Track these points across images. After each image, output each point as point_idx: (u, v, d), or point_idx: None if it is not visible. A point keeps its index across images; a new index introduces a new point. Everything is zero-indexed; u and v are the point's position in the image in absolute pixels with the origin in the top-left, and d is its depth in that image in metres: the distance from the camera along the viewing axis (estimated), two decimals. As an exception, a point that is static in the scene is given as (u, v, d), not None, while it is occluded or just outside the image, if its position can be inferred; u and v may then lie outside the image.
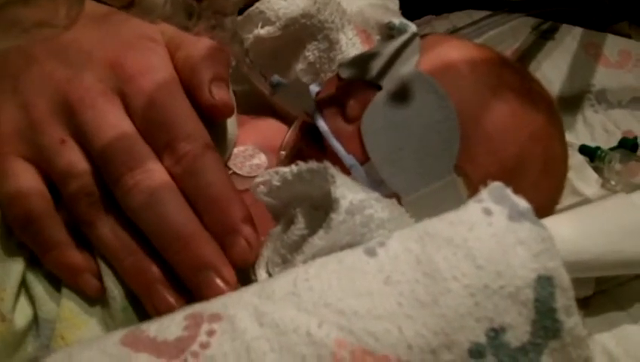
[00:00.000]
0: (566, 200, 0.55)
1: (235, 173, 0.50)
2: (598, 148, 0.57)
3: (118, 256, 0.42)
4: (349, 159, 0.46)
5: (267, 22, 0.53)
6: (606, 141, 0.60)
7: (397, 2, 0.63)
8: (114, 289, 0.42)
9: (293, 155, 0.49)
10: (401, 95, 0.46)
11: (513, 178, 0.45)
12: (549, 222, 0.35)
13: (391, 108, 0.46)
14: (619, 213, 0.41)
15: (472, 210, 0.35)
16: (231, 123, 0.50)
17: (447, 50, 0.49)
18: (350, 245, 0.38)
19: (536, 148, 0.48)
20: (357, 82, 0.48)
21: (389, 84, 0.47)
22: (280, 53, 0.55)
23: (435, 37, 0.53)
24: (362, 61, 0.49)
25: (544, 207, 0.51)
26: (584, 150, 0.57)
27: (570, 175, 0.56)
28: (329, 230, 0.38)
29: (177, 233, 0.40)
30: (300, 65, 0.55)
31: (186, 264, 0.40)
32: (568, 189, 0.55)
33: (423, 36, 0.51)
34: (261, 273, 0.41)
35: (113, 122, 0.42)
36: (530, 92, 0.49)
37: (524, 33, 0.72)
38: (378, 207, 0.39)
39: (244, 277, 0.41)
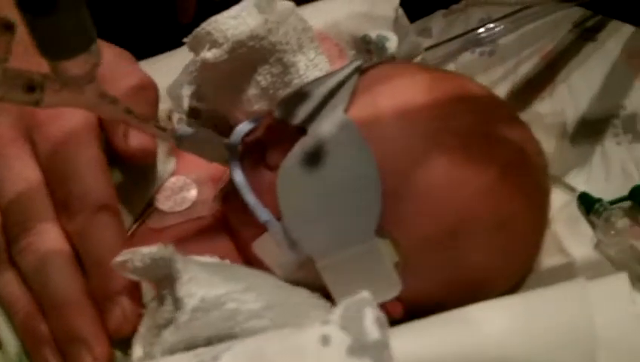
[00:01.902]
0: (551, 259, 0.47)
1: (157, 208, 0.47)
2: (599, 200, 0.47)
3: (12, 308, 0.41)
4: (264, 214, 0.42)
5: (215, 44, 0.48)
6: (621, 185, 0.50)
7: (392, 5, 0.55)
8: (10, 340, 0.41)
9: (222, 197, 0.46)
10: (322, 145, 0.40)
11: (455, 241, 0.40)
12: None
13: (309, 160, 0.40)
14: (458, 334, 0.35)
15: (310, 335, 0.30)
16: (162, 154, 0.47)
17: (384, 92, 0.42)
18: (219, 337, 0.35)
19: (484, 208, 0.41)
20: (284, 125, 0.43)
21: (313, 130, 0.41)
22: (232, 77, 0.50)
23: (381, 71, 0.46)
24: (295, 99, 0.43)
25: (506, 271, 0.45)
26: (584, 199, 0.48)
27: (560, 229, 0.48)
28: (177, 328, 0.34)
29: (56, 301, 0.39)
30: (252, 91, 0.50)
31: (60, 334, 0.39)
32: (555, 247, 0.47)
33: (373, 67, 0.45)
34: (137, 349, 0.38)
35: (18, 172, 0.41)
36: (487, 139, 0.42)
37: (563, 30, 0.61)
38: (248, 297, 0.36)
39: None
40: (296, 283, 0.42)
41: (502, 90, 0.59)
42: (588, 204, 0.48)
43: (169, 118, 0.51)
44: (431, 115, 0.42)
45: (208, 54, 0.48)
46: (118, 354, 0.40)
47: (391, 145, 0.41)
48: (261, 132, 0.45)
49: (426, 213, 0.41)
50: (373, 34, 0.51)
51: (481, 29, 0.64)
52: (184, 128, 0.42)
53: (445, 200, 0.41)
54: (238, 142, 0.45)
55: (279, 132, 0.43)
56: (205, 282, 0.36)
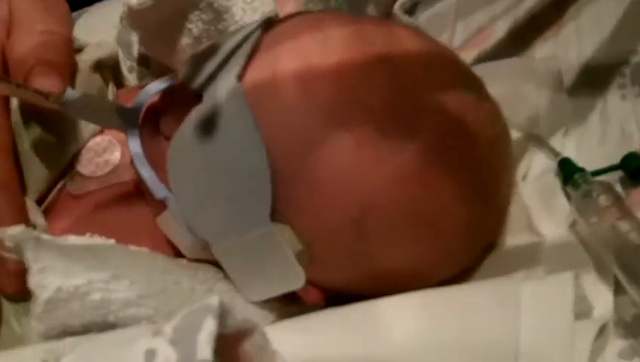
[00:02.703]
0: (516, 237, 0.41)
1: (78, 172, 0.44)
2: (581, 170, 0.40)
3: None
4: (160, 190, 0.37)
5: None
6: (617, 148, 0.41)
7: None
8: None
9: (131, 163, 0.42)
10: (213, 117, 0.35)
11: (361, 233, 0.34)
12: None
13: (201, 134, 0.35)
14: (354, 335, 0.30)
15: (137, 348, 0.26)
16: None
17: (286, 51, 0.36)
18: (97, 325, 0.32)
19: (395, 196, 0.35)
20: (184, 89, 0.37)
21: (208, 97, 0.36)
22: (165, 26, 0.45)
23: (292, 24, 0.39)
24: (204, 57, 0.38)
25: (439, 265, 0.38)
26: (565, 166, 0.41)
27: (533, 202, 0.41)
28: (36, 319, 0.32)
29: None
30: (185, 40, 0.45)
31: None
32: (523, 222, 0.40)
33: (286, 19, 0.38)
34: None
35: None
36: (408, 112, 0.35)
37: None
38: (117, 286, 0.33)
39: None
40: (206, 262, 0.38)
41: (502, 27, 0.51)
42: (567, 172, 0.40)
43: (94, 69, 0.46)
44: (339, 81, 0.35)
45: (132, 1, 0.43)
46: None
47: (285, 120, 0.35)
48: (164, 95, 0.40)
49: (326, 200, 0.35)
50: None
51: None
52: (70, 93, 0.37)
53: (348, 187, 0.34)
54: (141, 105, 0.40)
55: (180, 96, 0.38)
56: (62, 271, 0.32)
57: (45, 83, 0.38)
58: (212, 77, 0.36)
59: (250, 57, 0.36)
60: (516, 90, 0.46)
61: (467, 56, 0.52)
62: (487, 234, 0.39)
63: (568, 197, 0.40)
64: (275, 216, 0.35)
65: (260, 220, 0.35)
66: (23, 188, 0.42)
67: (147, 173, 0.38)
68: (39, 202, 0.43)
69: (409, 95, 0.35)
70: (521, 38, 0.50)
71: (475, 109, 0.38)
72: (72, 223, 0.43)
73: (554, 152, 0.42)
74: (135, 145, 0.39)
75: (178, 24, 0.44)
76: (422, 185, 0.35)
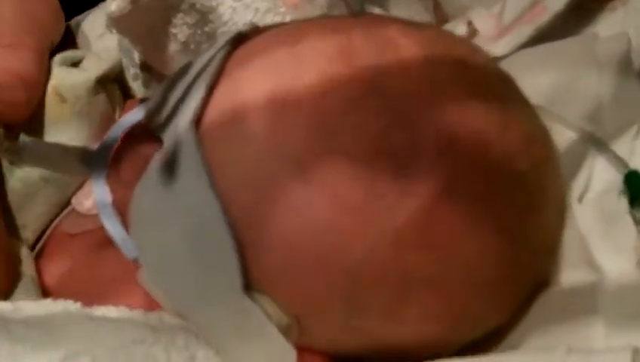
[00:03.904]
0: (573, 272, 0.32)
1: (74, 209, 0.40)
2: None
3: None
4: (129, 249, 0.32)
5: None
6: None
7: None
8: None
9: None
10: (170, 164, 0.29)
11: (356, 306, 0.28)
12: None
13: (161, 184, 0.29)
14: None
15: None
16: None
17: (252, 78, 0.29)
18: None
19: (395, 261, 0.27)
20: (143, 130, 0.32)
21: (168, 141, 0.29)
22: (151, 32, 0.39)
23: (261, 41, 0.31)
24: (170, 84, 0.31)
25: (452, 334, 0.31)
26: (633, 182, 0.32)
27: (591, 228, 0.32)
28: None
29: None
30: (172, 47, 0.39)
31: None
32: (580, 254, 0.32)
33: (260, 31, 0.31)
34: None
35: None
36: (412, 154, 0.27)
37: None
38: None
39: None
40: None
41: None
42: (635, 191, 0.31)
43: (97, 89, 0.42)
44: (313, 118, 0.27)
45: (112, 5, 0.38)
46: None
47: (245, 169, 0.28)
48: (127, 135, 0.34)
49: (304, 269, 0.28)
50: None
51: None
52: (25, 139, 0.32)
53: (328, 254, 0.27)
54: (110, 144, 0.34)
55: (136, 140, 0.33)
56: (6, 354, 0.27)
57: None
58: (175, 109, 0.30)
59: (215, 83, 0.29)
60: (572, 79, 0.37)
61: (521, 33, 0.43)
62: (524, 284, 0.31)
63: (637, 222, 0.31)
64: (252, 285, 0.28)
65: (232, 291, 0.28)
66: (15, 229, 0.39)
67: (114, 228, 0.32)
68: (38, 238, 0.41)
69: (405, 130, 0.27)
70: (583, 10, 0.41)
71: (501, 134, 0.29)
72: (65, 266, 0.39)
73: (620, 162, 0.33)
74: (101, 192, 0.33)
75: (163, 30, 0.39)
76: (424, 247, 0.27)
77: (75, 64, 0.44)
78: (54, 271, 0.39)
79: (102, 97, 0.43)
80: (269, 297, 0.28)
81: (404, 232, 0.27)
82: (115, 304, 0.33)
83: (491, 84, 0.31)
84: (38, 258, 0.40)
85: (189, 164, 0.28)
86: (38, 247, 0.41)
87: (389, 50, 0.29)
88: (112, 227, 0.32)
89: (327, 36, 0.29)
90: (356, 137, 0.27)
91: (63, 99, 0.41)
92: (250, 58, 0.30)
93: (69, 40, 0.49)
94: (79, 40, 0.49)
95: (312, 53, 0.29)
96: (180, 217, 0.29)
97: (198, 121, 0.28)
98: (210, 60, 0.30)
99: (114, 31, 0.40)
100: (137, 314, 0.32)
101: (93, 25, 0.49)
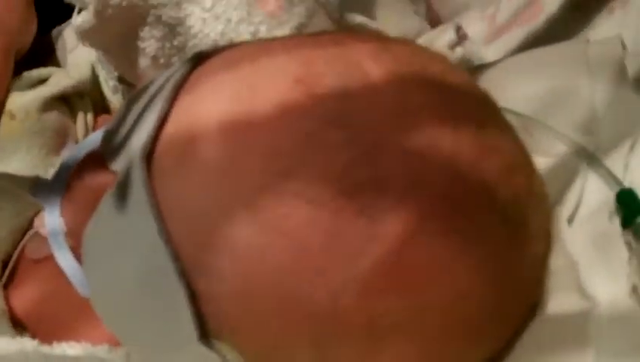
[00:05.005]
0: (562, 299, 0.30)
1: (37, 232, 0.38)
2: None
3: None
4: (82, 285, 0.30)
5: (83, 4, 0.36)
6: None
7: None
8: None
9: None
10: (121, 196, 0.27)
11: (324, 354, 0.26)
12: None
13: (112, 217, 0.27)
14: None
15: None
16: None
17: (205, 103, 0.27)
18: None
19: (361, 308, 0.25)
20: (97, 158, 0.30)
21: (121, 168, 0.28)
22: (120, 47, 0.38)
23: (219, 61, 0.29)
24: (123, 113, 0.29)
25: None
26: (624, 201, 0.29)
27: (582, 252, 0.30)
28: None
29: None
30: (143, 61, 0.37)
31: None
32: (570, 281, 0.30)
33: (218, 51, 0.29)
34: None
35: None
36: (378, 189, 0.25)
37: None
38: None
39: None
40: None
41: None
42: (629, 211, 0.29)
43: (50, 105, 0.41)
44: (267, 148, 0.25)
45: (78, 19, 0.36)
46: None
47: (200, 209, 0.25)
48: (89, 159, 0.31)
49: (263, 318, 0.25)
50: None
51: None
52: None
53: (291, 301, 0.25)
54: (66, 171, 0.32)
55: (90, 167, 0.31)
56: None
57: None
58: (130, 132, 0.28)
59: (170, 106, 0.27)
60: (564, 87, 0.34)
61: (513, 37, 0.41)
62: (514, 317, 0.29)
63: (630, 246, 0.29)
64: (210, 333, 0.26)
65: (189, 340, 0.26)
66: None
67: (65, 261, 0.30)
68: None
69: (369, 165, 0.25)
70: (579, 11, 0.39)
71: (478, 164, 0.26)
72: (33, 295, 0.37)
73: (613, 179, 0.31)
74: (53, 220, 0.31)
75: (132, 43, 0.37)
76: (393, 293, 0.25)
77: (43, 80, 0.43)
78: (22, 300, 0.37)
79: (54, 114, 0.42)
80: (229, 344, 0.26)
81: (370, 279, 0.24)
82: (80, 337, 0.32)
83: (468, 107, 0.28)
84: (7, 286, 0.38)
85: (138, 200, 0.26)
86: (5, 275, 0.39)
87: (353, 76, 0.26)
88: (64, 259, 0.30)
89: (288, 60, 0.27)
90: (315, 176, 0.25)
91: (12, 116, 0.40)
92: (206, 80, 0.28)
93: (48, 50, 0.48)
94: (59, 50, 0.48)
95: (269, 80, 0.26)
96: (131, 257, 0.27)
97: (151, 146, 0.27)
98: (166, 81, 0.28)
99: (86, 44, 0.38)
100: (101, 350, 0.31)
101: (68, 37, 0.48)
